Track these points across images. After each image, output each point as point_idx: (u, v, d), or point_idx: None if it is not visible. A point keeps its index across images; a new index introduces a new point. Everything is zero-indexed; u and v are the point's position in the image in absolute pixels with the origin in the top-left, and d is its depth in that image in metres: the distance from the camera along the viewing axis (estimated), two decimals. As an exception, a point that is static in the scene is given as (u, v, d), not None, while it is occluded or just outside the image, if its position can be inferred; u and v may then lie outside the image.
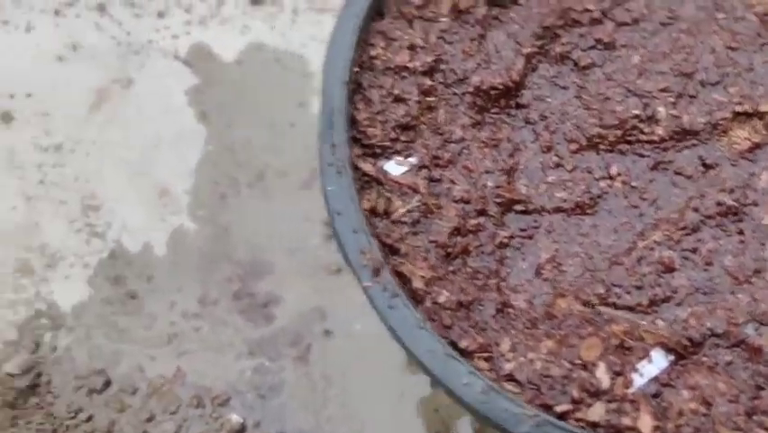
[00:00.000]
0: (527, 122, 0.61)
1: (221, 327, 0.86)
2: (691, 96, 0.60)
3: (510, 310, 0.54)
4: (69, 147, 0.95)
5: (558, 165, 0.60)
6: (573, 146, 0.60)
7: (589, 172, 0.59)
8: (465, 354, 0.51)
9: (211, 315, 0.87)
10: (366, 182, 0.56)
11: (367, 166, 0.56)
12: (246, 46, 0.99)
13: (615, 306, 0.54)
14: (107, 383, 0.85)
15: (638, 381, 0.50)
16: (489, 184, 0.58)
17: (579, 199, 0.58)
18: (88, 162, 0.94)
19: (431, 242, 0.55)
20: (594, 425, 0.48)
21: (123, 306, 0.88)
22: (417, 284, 0.52)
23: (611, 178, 0.59)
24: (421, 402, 0.81)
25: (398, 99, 0.59)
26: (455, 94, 0.61)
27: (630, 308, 0.54)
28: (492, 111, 0.62)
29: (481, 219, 0.57)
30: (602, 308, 0.54)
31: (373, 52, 0.60)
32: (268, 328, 0.86)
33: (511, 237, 0.57)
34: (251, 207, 0.91)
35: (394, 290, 0.49)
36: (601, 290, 0.55)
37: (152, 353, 0.86)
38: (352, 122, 0.57)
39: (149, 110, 0.96)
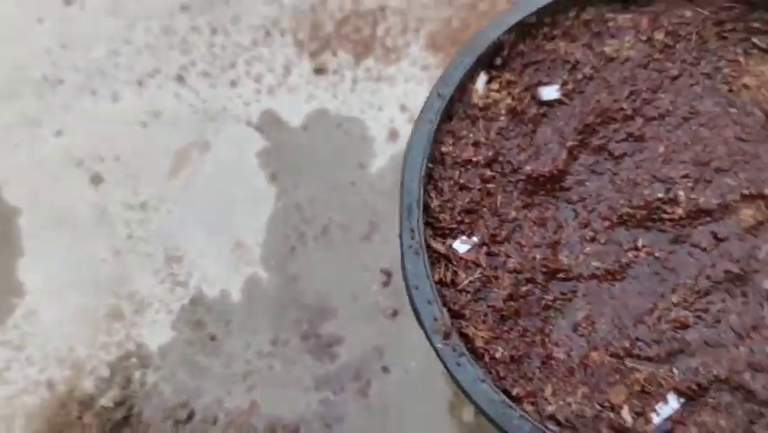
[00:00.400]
0: (569, 202, 0.76)
1: (291, 364, 1.02)
2: (707, 181, 0.74)
3: (552, 362, 0.69)
4: (154, 205, 1.11)
5: (593, 239, 0.75)
6: (606, 223, 0.75)
7: (619, 245, 0.74)
8: (516, 399, 0.66)
9: (282, 354, 1.03)
10: (436, 258, 0.72)
11: (438, 245, 0.72)
12: (311, 112, 1.14)
13: (638, 357, 0.69)
14: (191, 415, 1.02)
15: (656, 419, 0.66)
16: (538, 256, 0.74)
17: (610, 267, 0.73)
18: (171, 219, 1.10)
19: (489, 306, 0.71)
20: None
21: (204, 347, 1.04)
22: (479, 343, 0.68)
23: (637, 249, 0.74)
24: (467, 431, 0.97)
25: (463, 188, 0.74)
26: (510, 182, 0.76)
27: (650, 359, 0.69)
28: (540, 194, 0.76)
29: (530, 286, 0.73)
30: (627, 360, 0.69)
31: (444, 149, 0.75)
32: (332, 366, 1.02)
33: (554, 300, 0.72)
34: (316, 258, 1.07)
35: (461, 351, 0.66)
36: (627, 344, 0.70)
37: (230, 388, 1.02)
38: (426, 208, 0.73)
39: (224, 171, 1.12)
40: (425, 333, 0.67)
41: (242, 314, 1.05)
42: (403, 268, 0.69)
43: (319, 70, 1.15)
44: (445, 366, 0.66)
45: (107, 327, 1.06)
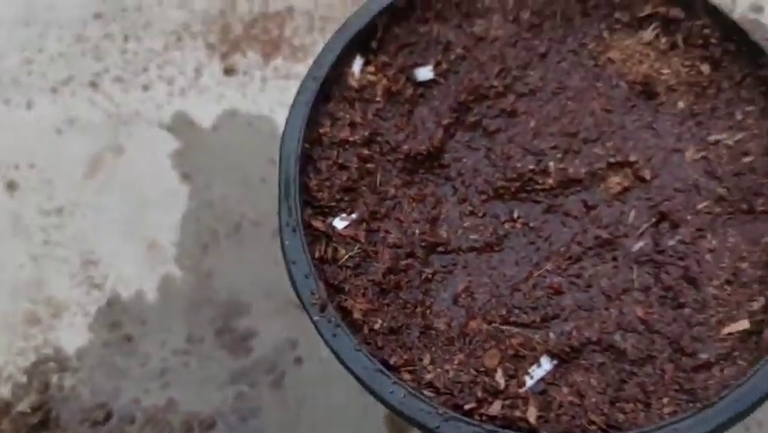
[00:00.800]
0: (447, 179, 0.78)
1: (206, 360, 1.03)
2: (575, 152, 0.77)
3: (432, 332, 0.71)
4: (69, 210, 1.12)
5: (471, 213, 0.77)
6: (483, 197, 0.77)
7: (496, 217, 0.77)
8: (394, 368, 0.68)
9: (197, 351, 1.04)
10: (316, 236, 0.74)
11: (318, 223, 0.74)
12: (222, 113, 1.16)
13: (515, 324, 0.71)
14: (108, 416, 1.02)
15: (529, 382, 0.68)
16: (417, 231, 0.76)
17: (488, 240, 0.75)
18: (86, 223, 1.11)
19: (369, 280, 0.72)
20: (493, 418, 0.65)
21: (120, 348, 1.05)
22: (357, 315, 0.70)
23: (513, 221, 0.76)
24: (381, 415, 0.98)
25: (342, 167, 0.76)
26: (389, 161, 0.78)
27: (526, 325, 0.71)
28: (419, 172, 0.79)
29: (410, 260, 0.75)
30: (504, 327, 0.71)
31: (322, 130, 0.77)
32: (247, 359, 1.03)
33: (434, 273, 0.75)
34: (229, 255, 1.09)
35: (336, 322, 0.67)
36: (504, 312, 0.72)
37: (147, 386, 1.03)
38: (305, 188, 0.75)
39: (137, 173, 1.13)
40: (303, 306, 0.69)
41: (157, 313, 1.06)
42: (282, 244, 0.71)
43: (229, 71, 1.18)
44: (322, 337, 0.68)
45: (24, 332, 1.07)
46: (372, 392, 0.66)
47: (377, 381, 0.66)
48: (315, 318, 0.68)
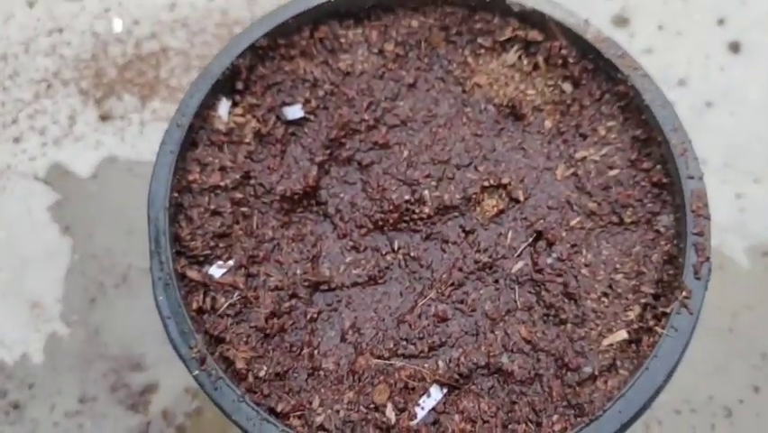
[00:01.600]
0: (326, 216, 0.77)
1: (101, 419, 0.99)
2: (449, 178, 0.77)
3: (320, 373, 0.70)
4: (-59, 274, 1.06)
5: (353, 247, 0.76)
6: (363, 230, 0.76)
7: (377, 250, 0.76)
8: (281, 415, 0.66)
9: (91, 410, 0.99)
10: (193, 287, 0.71)
11: (193, 273, 0.71)
12: (100, 160, 1.12)
13: (403, 356, 0.71)
14: (-2, 492, 0.97)
15: (420, 413, 0.67)
16: (299, 271, 0.74)
17: (371, 273, 0.74)
18: (-39, 287, 1.06)
19: (251, 327, 0.70)
20: None
21: (7, 416, 0.99)
22: (240, 365, 0.68)
23: (395, 252, 0.76)
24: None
25: (215, 213, 0.74)
26: (264, 203, 0.76)
27: (414, 356, 0.71)
28: (297, 211, 0.78)
29: (293, 301, 0.73)
30: (393, 360, 0.71)
31: (191, 177, 0.74)
32: (145, 414, 1.00)
33: (319, 312, 0.73)
34: (119, 307, 1.05)
35: (217, 374, 0.65)
36: (391, 345, 0.71)
37: (40, 455, 0.98)
38: (177, 238, 0.72)
39: (14, 230, 1.08)
40: (183, 362, 0.66)
41: (45, 375, 1.01)
42: (155, 300, 0.68)
43: (105, 117, 1.14)
44: (205, 391, 0.65)
45: None
46: (260, 444, 0.64)
47: (264, 430, 0.64)
48: (195, 373, 0.65)
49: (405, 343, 0.72)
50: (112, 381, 1.01)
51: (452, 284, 0.74)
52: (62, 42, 1.18)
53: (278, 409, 0.67)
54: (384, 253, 0.76)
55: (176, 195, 0.73)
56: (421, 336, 0.72)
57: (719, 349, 1.00)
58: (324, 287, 0.75)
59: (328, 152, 0.79)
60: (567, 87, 0.80)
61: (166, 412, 0.99)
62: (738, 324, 1.01)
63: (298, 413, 0.67)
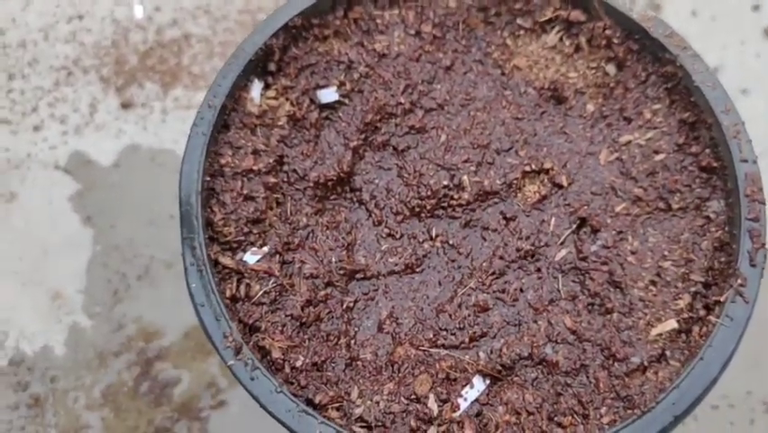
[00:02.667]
0: (361, 202, 0.75)
1: (125, 413, 0.97)
2: (489, 163, 0.75)
3: (358, 363, 0.68)
4: (-40, 265, 1.04)
5: (389, 235, 0.74)
6: (399, 217, 0.74)
7: (414, 237, 0.74)
8: (319, 407, 0.64)
9: (114, 403, 0.97)
10: (227, 274, 0.69)
11: (226, 260, 0.69)
12: (122, 149, 1.10)
13: (444, 346, 0.68)
14: (21, 487, 0.95)
15: (463, 404, 0.65)
16: (334, 259, 0.72)
17: (408, 261, 0.72)
18: (-19, 277, 1.04)
19: (287, 316, 0.68)
20: None
21: (29, 409, 0.97)
22: (276, 354, 0.65)
23: (432, 239, 0.74)
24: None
25: (248, 198, 0.71)
26: (298, 189, 0.74)
27: (456, 347, 0.68)
28: (331, 198, 0.75)
29: (329, 290, 0.71)
30: (432, 350, 0.69)
31: (223, 161, 0.72)
32: (169, 407, 0.97)
33: (356, 301, 0.71)
34: (142, 299, 1.03)
35: (254, 364, 0.63)
36: (431, 335, 0.69)
37: (62, 448, 0.96)
38: (210, 224, 0.70)
39: (34, 220, 1.06)
40: (216, 351, 0.64)
41: (67, 367, 0.99)
42: (188, 287, 0.66)
43: (126, 105, 1.11)
44: (240, 382, 0.63)
45: None
46: (298, 435, 0.62)
47: (303, 422, 0.61)
48: (231, 363, 0.63)
49: (444, 333, 0.70)
50: (135, 373, 0.99)
51: (493, 273, 0.72)
52: (82, 29, 1.16)
53: (317, 400, 0.64)
54: (421, 240, 0.74)
55: (208, 179, 0.70)
56: (461, 326, 0.70)
57: (759, 342, 0.97)
58: (360, 275, 0.72)
59: (363, 136, 0.77)
60: (611, 68, 0.78)
61: (189, 406, 0.97)
62: (779, 317, 0.98)
63: (336, 405, 0.65)
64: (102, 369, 0.99)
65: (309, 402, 0.64)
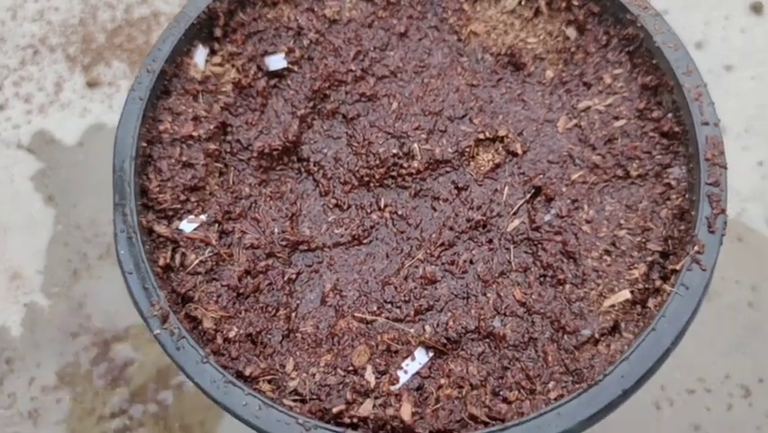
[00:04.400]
0: (308, 172, 0.72)
1: (81, 395, 0.94)
2: (441, 131, 0.72)
3: (297, 335, 0.65)
4: None
5: (336, 206, 0.71)
6: (347, 187, 0.71)
7: (362, 208, 0.71)
8: (249, 379, 0.61)
9: (70, 384, 0.95)
10: (161, 243, 0.66)
11: (161, 228, 0.66)
12: (86, 127, 1.08)
13: (388, 319, 0.66)
14: (-26, 469, 0.92)
15: (403, 377, 0.62)
16: (276, 230, 0.69)
17: (354, 233, 0.69)
18: (-61, 257, 1.02)
19: (223, 286, 0.65)
20: (365, 419, 0.59)
21: (-15, 390, 0.95)
22: (208, 324, 0.63)
23: (381, 210, 0.71)
24: None
25: (186, 165, 0.69)
26: (242, 160, 0.71)
27: (400, 320, 0.65)
28: (277, 168, 0.73)
29: (270, 261, 0.68)
30: (376, 323, 0.66)
31: (161, 127, 0.69)
32: (127, 389, 0.95)
33: (298, 273, 0.68)
34: (102, 279, 1.00)
35: (180, 333, 0.60)
36: (375, 308, 0.66)
37: (16, 430, 0.93)
38: (144, 191, 0.67)
39: (-4, 199, 1.05)
40: (143, 319, 0.61)
41: (23, 348, 0.97)
42: (117, 254, 0.63)
43: (93, 84, 1.09)
44: (166, 352, 0.60)
45: None
46: (224, 407, 0.59)
47: (228, 394, 0.59)
48: (156, 332, 0.60)
49: (390, 306, 0.67)
50: (93, 354, 0.96)
51: (442, 244, 0.69)
52: (50, 8, 1.14)
53: (247, 372, 0.62)
54: (369, 211, 0.71)
55: (144, 145, 0.68)
56: (407, 299, 0.67)
57: (738, 325, 0.93)
58: (304, 247, 0.70)
59: (311, 104, 0.74)
60: (571, 32, 0.74)
61: (148, 386, 0.95)
62: (759, 298, 0.94)
63: (269, 377, 0.62)
64: (59, 350, 0.96)
65: (239, 374, 0.61)
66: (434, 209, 0.70)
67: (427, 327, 0.65)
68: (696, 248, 0.61)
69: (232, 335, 0.63)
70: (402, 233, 0.70)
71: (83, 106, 1.09)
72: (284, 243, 0.69)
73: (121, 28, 1.12)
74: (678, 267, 0.61)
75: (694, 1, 1.12)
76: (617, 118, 0.70)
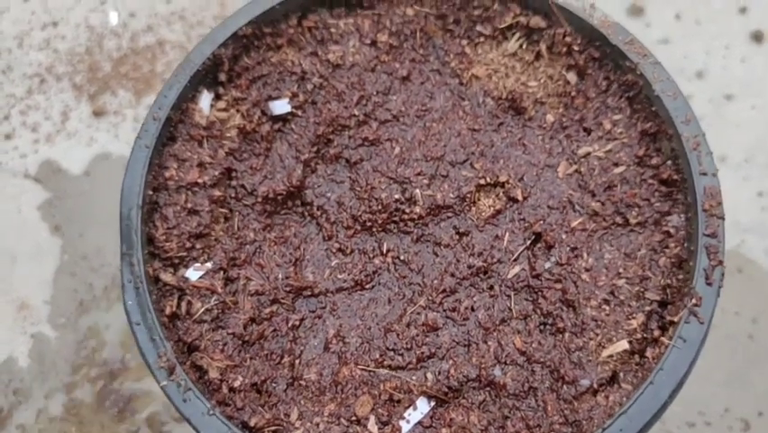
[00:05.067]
0: (312, 216, 0.73)
1: (88, 426, 0.95)
2: (443, 176, 0.72)
3: (302, 383, 0.66)
4: (-72, 274, 1.03)
5: (339, 250, 0.72)
6: (350, 232, 0.72)
7: (365, 253, 0.72)
8: (255, 430, 0.62)
9: (77, 416, 0.96)
10: (167, 291, 0.67)
11: (167, 277, 0.67)
12: (93, 157, 1.09)
13: (390, 367, 0.66)
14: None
15: (405, 427, 0.63)
16: (281, 276, 0.70)
17: (357, 278, 0.70)
18: (-53, 287, 1.03)
19: (229, 334, 0.66)
20: None
21: (-8, 422, 0.97)
22: (213, 374, 0.64)
23: (383, 255, 0.71)
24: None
25: (192, 212, 0.70)
26: (246, 205, 0.72)
27: (402, 367, 0.66)
28: (281, 213, 0.73)
29: (274, 307, 0.69)
30: (378, 371, 0.67)
31: (167, 174, 0.70)
32: (133, 421, 0.96)
33: (302, 319, 0.69)
34: (108, 309, 1.01)
35: (187, 385, 0.61)
36: (377, 356, 0.67)
37: (26, 462, 0.95)
38: (151, 239, 0.68)
39: (2, 229, 1.05)
40: (150, 371, 0.63)
41: (30, 379, 0.98)
42: (124, 305, 0.65)
43: (99, 113, 1.10)
44: (173, 404, 0.61)
45: None
46: (230, 459, 0.60)
47: (234, 447, 0.60)
48: (163, 384, 0.61)
49: (392, 353, 0.68)
50: (99, 386, 0.97)
51: (444, 291, 0.70)
52: (56, 36, 1.15)
53: (252, 422, 0.63)
54: (372, 256, 0.72)
55: (150, 192, 0.69)
56: (409, 346, 0.68)
57: (737, 357, 0.94)
58: (308, 292, 0.71)
59: (315, 149, 0.75)
60: (571, 77, 0.75)
61: (154, 419, 0.96)
62: (759, 330, 0.95)
63: (273, 427, 0.63)
64: (66, 381, 0.98)
65: (244, 425, 0.62)
66: (436, 255, 0.71)
67: (429, 375, 0.66)
68: (693, 300, 0.62)
69: (237, 384, 0.64)
70: (404, 278, 0.71)
71: (89, 136, 1.10)
72: (288, 288, 0.70)
73: (126, 57, 1.13)
74: (676, 319, 0.62)
75: (695, 30, 1.12)
76: (616, 165, 0.71)
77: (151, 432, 0.94)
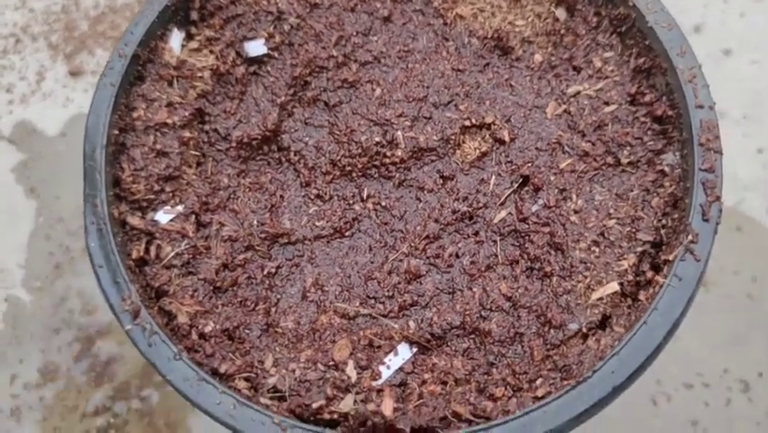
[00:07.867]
0: (289, 162, 0.70)
1: (64, 391, 0.92)
2: (426, 118, 0.69)
3: (277, 330, 0.63)
4: None
5: (317, 196, 0.69)
6: (329, 177, 0.69)
7: (345, 199, 0.68)
8: (225, 377, 0.59)
9: (53, 381, 0.93)
10: (135, 235, 0.64)
11: (135, 220, 0.64)
12: (69, 118, 1.06)
13: (370, 316, 0.64)
14: (-44, 469, 0.91)
15: (385, 372, 0.60)
16: (256, 222, 0.67)
17: (336, 225, 0.67)
18: None
19: (200, 279, 0.63)
20: (345, 415, 0.56)
21: (-35, 388, 0.94)
22: (182, 319, 0.61)
23: (364, 201, 0.68)
24: None
25: (161, 153, 0.66)
26: (219, 150, 0.69)
27: (383, 316, 0.63)
28: (257, 159, 0.70)
29: (249, 254, 0.66)
30: (359, 319, 0.63)
31: (135, 114, 0.67)
32: (110, 385, 0.93)
33: (278, 267, 0.66)
34: (85, 273, 0.98)
35: (153, 329, 0.58)
36: (357, 304, 0.64)
37: (-2, 429, 0.92)
38: (117, 181, 0.65)
39: (-25, 192, 1.02)
40: (114, 315, 0.59)
41: (5, 344, 0.95)
42: (87, 247, 0.61)
43: (76, 73, 1.07)
44: (138, 348, 0.58)
45: None
46: (198, 406, 0.57)
47: (201, 392, 0.57)
48: (127, 327, 0.58)
49: (373, 301, 0.65)
50: (76, 350, 0.94)
51: (428, 237, 0.66)
52: (32, -5, 1.12)
53: (222, 369, 0.59)
54: (352, 202, 0.69)
55: (117, 133, 0.66)
56: (391, 294, 0.65)
57: (737, 318, 0.91)
58: (284, 240, 0.68)
59: (292, 92, 0.71)
60: (560, 13, 0.72)
61: (132, 383, 0.93)
62: (758, 290, 0.92)
63: (245, 374, 0.60)
64: (41, 346, 0.94)
65: (214, 372, 0.59)
66: (419, 200, 0.68)
67: (411, 323, 0.63)
68: (690, 237, 0.58)
69: (207, 330, 0.61)
70: (386, 225, 0.68)
71: (65, 96, 1.07)
72: (263, 235, 0.67)
73: (104, 15, 1.10)
74: (670, 257, 0.59)
75: (692, -16, 1.09)
76: (607, 103, 0.68)
77: (129, 397, 0.91)
